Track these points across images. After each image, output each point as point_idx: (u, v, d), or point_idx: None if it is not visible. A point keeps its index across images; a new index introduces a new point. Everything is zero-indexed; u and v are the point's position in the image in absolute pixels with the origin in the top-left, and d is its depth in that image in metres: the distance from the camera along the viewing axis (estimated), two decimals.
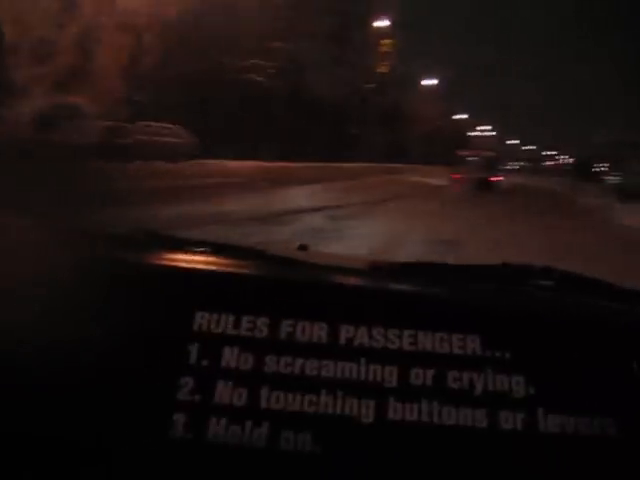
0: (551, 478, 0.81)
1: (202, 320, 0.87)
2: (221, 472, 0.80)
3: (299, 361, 0.85)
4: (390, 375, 0.85)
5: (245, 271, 1.03)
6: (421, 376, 0.85)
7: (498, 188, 24.98)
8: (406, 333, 0.88)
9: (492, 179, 25.34)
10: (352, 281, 1.08)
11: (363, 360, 0.86)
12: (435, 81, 47.62)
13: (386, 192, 17.39)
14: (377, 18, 37.16)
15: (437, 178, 27.33)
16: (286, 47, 23.91)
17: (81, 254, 1.01)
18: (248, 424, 0.80)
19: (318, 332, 0.88)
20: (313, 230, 9.38)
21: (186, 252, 1.08)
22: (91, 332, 0.86)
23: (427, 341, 0.88)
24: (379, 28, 38.13)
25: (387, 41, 40.02)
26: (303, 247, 1.48)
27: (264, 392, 0.83)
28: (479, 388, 0.85)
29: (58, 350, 0.85)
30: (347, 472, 0.80)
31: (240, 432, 0.80)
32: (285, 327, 0.87)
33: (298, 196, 14.04)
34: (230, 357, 0.85)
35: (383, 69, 40.00)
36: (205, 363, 0.84)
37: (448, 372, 0.86)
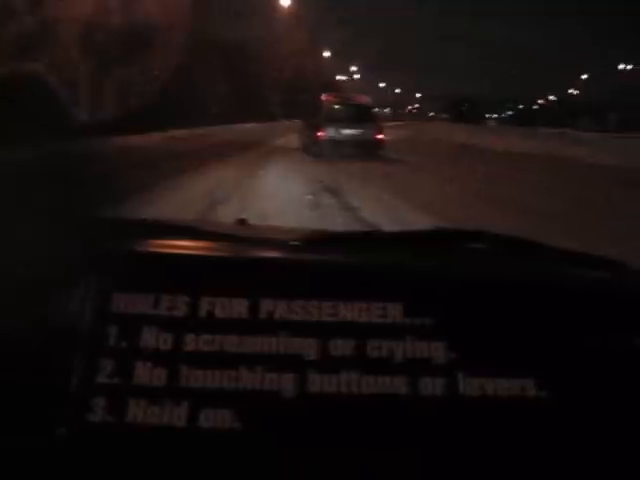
0: (473, 440, 0.82)
1: (120, 301, 0.87)
2: (142, 453, 0.79)
3: (218, 338, 0.85)
4: (310, 348, 0.85)
5: (165, 249, 1.01)
6: (341, 347, 0.85)
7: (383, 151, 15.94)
8: (325, 304, 0.88)
9: (376, 137, 16.16)
10: (272, 254, 1.05)
11: (283, 334, 0.86)
12: (288, 1, 35.43)
13: None
14: None
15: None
16: None
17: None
18: (167, 404, 0.80)
19: (238, 308, 0.87)
20: None
21: (117, 233, 1.08)
22: (4, 316, 0.85)
23: (347, 311, 0.88)
24: None
25: None
26: (242, 221, 1.50)
27: (183, 371, 0.83)
28: (399, 356, 0.85)
29: None
30: (268, 446, 0.80)
31: (160, 412, 0.80)
32: (204, 304, 0.87)
33: None
34: (149, 337, 0.84)
35: None
36: (124, 344, 0.84)
37: (368, 342, 0.86)
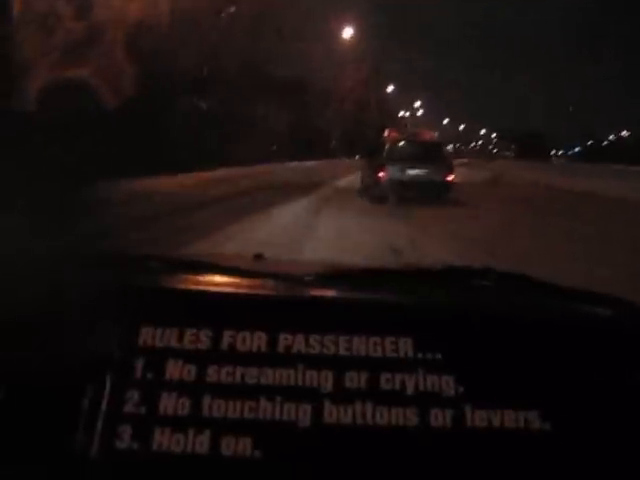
0: (480, 471, 0.84)
1: (147, 334, 0.90)
2: (166, 479, 0.83)
3: (239, 370, 0.88)
4: (326, 380, 0.88)
5: (189, 285, 1.06)
6: (355, 380, 0.89)
7: (449, 194, 13.90)
8: (341, 339, 0.92)
9: (445, 178, 14.23)
10: (289, 291, 1.09)
11: (300, 366, 0.89)
12: (351, 31, 33.34)
13: None
14: None
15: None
16: None
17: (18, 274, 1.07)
18: (191, 432, 0.83)
19: (257, 342, 0.91)
20: None
21: (136, 268, 1.18)
22: (39, 349, 0.89)
23: (361, 346, 0.91)
24: None
25: None
26: (259, 256, 1.54)
27: (206, 401, 0.86)
28: (410, 388, 0.88)
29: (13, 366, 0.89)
30: (286, 474, 0.84)
31: (183, 440, 0.83)
32: (226, 338, 0.91)
33: None
34: (174, 369, 0.88)
35: None
36: (150, 376, 0.87)
37: (381, 375, 0.89)
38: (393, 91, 48.54)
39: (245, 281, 1.10)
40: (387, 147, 14.66)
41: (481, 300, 1.11)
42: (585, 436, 0.87)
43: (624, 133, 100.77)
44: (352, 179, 18.11)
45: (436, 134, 16.65)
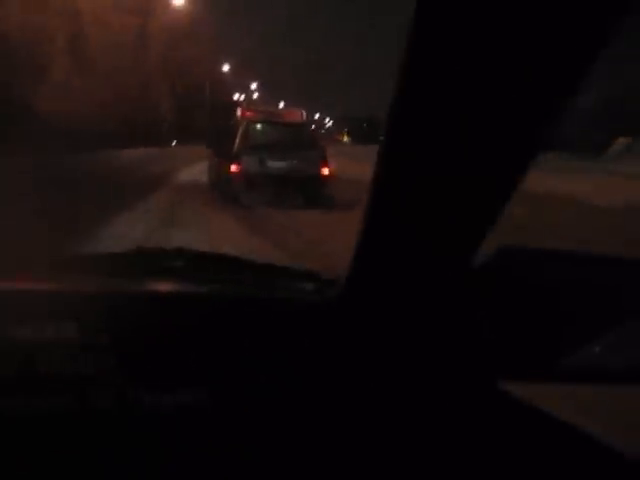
0: (147, 450, 0.82)
1: None
2: None
3: None
4: None
5: None
6: (9, 366, 0.83)
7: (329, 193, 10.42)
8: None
9: (320, 170, 10.71)
10: None
11: None
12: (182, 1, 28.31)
13: None
14: None
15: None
16: None
17: None
18: None
19: None
20: None
21: None
22: None
23: (17, 330, 0.86)
24: None
25: None
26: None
27: None
28: (71, 372, 0.85)
29: None
30: None
31: None
32: None
33: None
34: None
35: None
36: None
37: (40, 359, 0.85)
38: (228, 71, 44.42)
39: None
40: (241, 131, 10.87)
41: (162, 281, 1.09)
42: (253, 408, 0.85)
43: None
44: (195, 171, 14.05)
45: (302, 113, 12.89)
